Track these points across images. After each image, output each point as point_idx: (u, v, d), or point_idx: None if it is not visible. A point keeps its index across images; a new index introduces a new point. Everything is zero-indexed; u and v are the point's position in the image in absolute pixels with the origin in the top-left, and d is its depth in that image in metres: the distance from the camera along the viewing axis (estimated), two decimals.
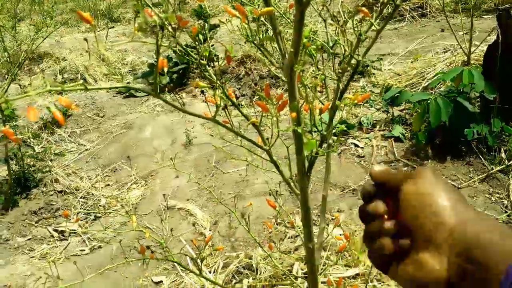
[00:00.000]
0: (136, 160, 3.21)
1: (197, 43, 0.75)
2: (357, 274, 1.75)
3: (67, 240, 2.52)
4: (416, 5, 5.62)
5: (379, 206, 0.48)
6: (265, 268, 1.87)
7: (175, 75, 4.35)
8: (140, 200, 2.77)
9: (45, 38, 3.66)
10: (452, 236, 0.41)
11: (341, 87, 0.92)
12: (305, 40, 0.92)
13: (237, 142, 0.98)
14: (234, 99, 0.80)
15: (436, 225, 0.42)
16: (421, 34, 4.89)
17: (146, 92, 0.70)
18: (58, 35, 6.14)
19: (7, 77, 5.27)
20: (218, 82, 0.74)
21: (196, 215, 2.53)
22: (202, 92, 0.80)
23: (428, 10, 5.54)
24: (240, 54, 4.48)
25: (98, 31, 5.86)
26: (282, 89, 3.99)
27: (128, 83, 4.51)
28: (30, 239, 2.52)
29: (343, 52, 1.01)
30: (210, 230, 2.40)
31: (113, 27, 6.92)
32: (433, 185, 0.45)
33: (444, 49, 4.21)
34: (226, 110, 0.77)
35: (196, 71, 4.54)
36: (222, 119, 0.73)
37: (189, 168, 2.99)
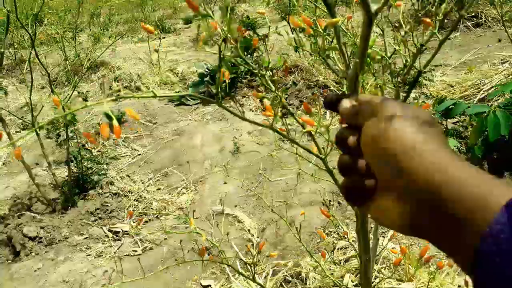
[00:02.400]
0: (186, 166, 3.31)
1: (246, 54, 0.78)
2: None
3: (120, 240, 2.63)
4: (471, 15, 5.43)
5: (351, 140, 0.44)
6: (314, 278, 1.86)
7: (224, 84, 4.45)
8: (189, 204, 2.85)
9: (104, 50, 3.87)
10: (414, 182, 0.36)
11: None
12: (369, 50, 0.93)
13: (284, 151, 1.00)
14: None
15: (393, 172, 0.38)
16: (475, 45, 4.71)
17: (208, 101, 0.73)
18: (113, 45, 6.47)
19: (67, 85, 5.61)
20: (277, 93, 0.77)
21: (244, 221, 2.57)
22: (261, 101, 0.84)
23: (483, 20, 5.32)
24: (288, 64, 4.52)
25: (152, 40, 6.12)
26: None
27: (179, 91, 4.66)
28: (87, 238, 2.66)
29: (405, 62, 1.01)
30: (258, 237, 2.43)
31: (164, 38, 7.19)
32: (393, 125, 0.39)
33: (502, 60, 4.03)
34: (284, 120, 0.79)
35: (244, 80, 4.62)
36: (275, 127, 0.76)
37: (236, 175, 3.04)
